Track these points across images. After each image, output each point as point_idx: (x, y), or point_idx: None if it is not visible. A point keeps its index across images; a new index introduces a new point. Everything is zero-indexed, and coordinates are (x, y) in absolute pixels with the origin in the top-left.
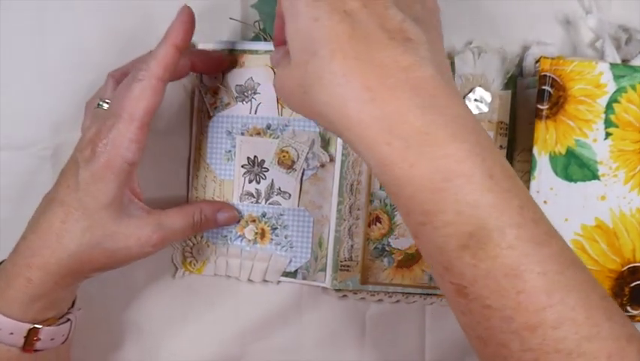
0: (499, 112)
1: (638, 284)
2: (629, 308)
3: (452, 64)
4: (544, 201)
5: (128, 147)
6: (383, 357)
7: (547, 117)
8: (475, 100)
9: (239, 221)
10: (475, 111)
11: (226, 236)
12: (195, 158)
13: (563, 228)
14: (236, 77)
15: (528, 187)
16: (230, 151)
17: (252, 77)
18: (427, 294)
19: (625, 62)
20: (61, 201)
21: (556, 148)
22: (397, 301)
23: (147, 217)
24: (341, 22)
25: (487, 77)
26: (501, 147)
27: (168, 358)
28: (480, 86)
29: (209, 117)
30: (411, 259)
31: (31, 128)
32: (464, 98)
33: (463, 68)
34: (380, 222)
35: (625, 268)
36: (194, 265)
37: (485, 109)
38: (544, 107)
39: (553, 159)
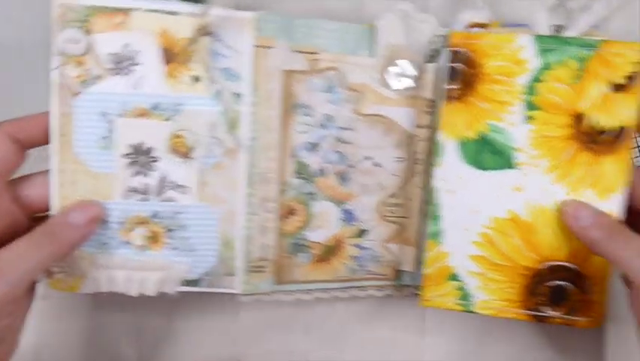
0: (424, 87)
1: (559, 285)
2: (546, 309)
3: (374, 30)
4: (452, 191)
5: None
6: (383, 357)
7: (457, 98)
8: (398, 74)
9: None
10: (398, 87)
11: (106, 243)
12: (58, 148)
13: (471, 220)
14: (108, 43)
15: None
16: (106, 137)
17: (128, 43)
18: (348, 288)
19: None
20: None
21: (466, 133)
22: (316, 298)
23: None
24: None
25: (414, 48)
26: (427, 126)
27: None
28: (404, 58)
29: (75, 94)
30: (330, 253)
31: None
32: (385, 71)
33: (386, 36)
34: (295, 215)
35: (545, 266)
36: (65, 281)
37: (411, 84)
38: (453, 87)
39: (463, 144)
